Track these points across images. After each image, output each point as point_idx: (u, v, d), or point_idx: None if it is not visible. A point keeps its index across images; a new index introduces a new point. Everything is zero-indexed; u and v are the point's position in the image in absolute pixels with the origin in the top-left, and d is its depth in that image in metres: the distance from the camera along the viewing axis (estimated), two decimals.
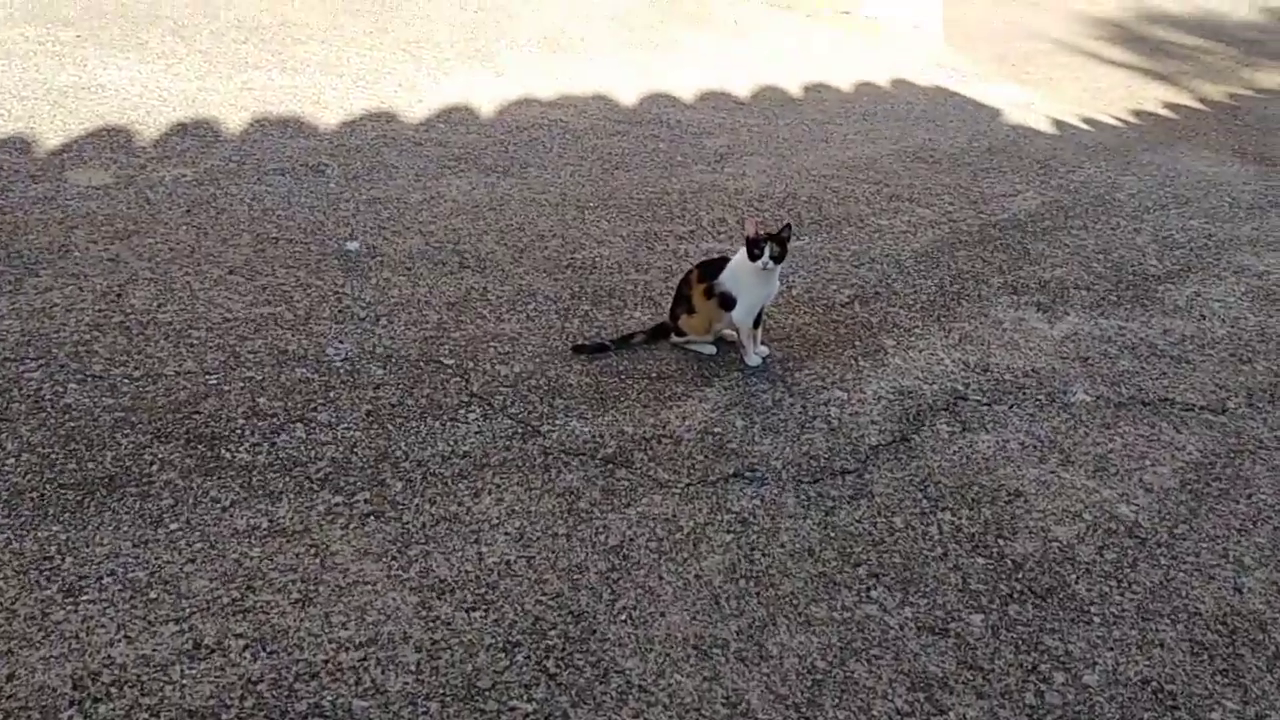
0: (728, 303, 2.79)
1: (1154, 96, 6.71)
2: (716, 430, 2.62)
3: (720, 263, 2.84)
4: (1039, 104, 5.91)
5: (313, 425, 2.47)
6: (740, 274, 2.77)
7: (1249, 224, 4.15)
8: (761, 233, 2.68)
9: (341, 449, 2.40)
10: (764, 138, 4.75)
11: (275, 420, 2.47)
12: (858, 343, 3.10)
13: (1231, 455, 2.68)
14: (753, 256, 2.69)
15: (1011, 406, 2.83)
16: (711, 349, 2.95)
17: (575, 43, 5.58)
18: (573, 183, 4.02)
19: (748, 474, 2.47)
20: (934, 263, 3.67)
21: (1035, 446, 2.66)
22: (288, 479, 2.28)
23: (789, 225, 2.76)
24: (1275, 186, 4.63)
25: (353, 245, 3.34)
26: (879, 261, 3.65)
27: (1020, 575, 2.20)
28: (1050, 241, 3.89)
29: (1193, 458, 2.66)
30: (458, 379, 2.72)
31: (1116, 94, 6.79)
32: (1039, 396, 2.89)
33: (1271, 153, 5.31)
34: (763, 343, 2.97)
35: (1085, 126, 5.50)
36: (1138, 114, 6.22)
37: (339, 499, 2.25)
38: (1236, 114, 6.29)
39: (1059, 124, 5.43)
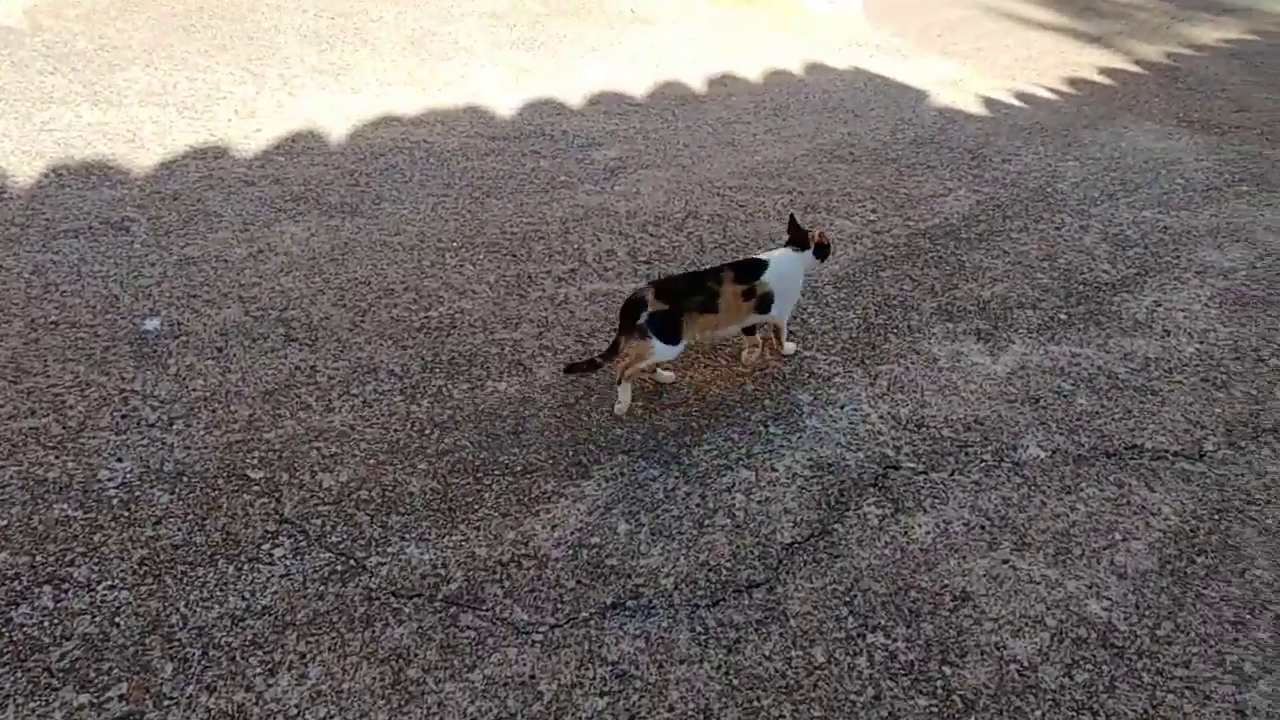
0: (767, 303, 2.63)
1: (1089, 62, 6.35)
2: (593, 541, 2.15)
3: (752, 264, 2.64)
4: (968, 80, 5.51)
5: (65, 588, 1.96)
6: (786, 278, 2.66)
7: (1207, 210, 3.76)
8: (827, 239, 2.71)
9: (100, 619, 1.89)
10: (662, 145, 4.27)
11: (15, 585, 1.95)
12: (768, 401, 2.64)
13: (1216, 516, 2.27)
14: (823, 257, 2.72)
15: (953, 473, 2.39)
16: (670, 375, 2.72)
17: (446, 47, 5.04)
18: (434, 218, 3.51)
19: (630, 602, 2.00)
20: (856, 288, 3.22)
21: (983, 527, 2.22)
22: (19, 675, 1.76)
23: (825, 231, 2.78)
24: (1229, 161, 4.26)
25: (151, 324, 2.80)
26: None
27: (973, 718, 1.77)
28: (988, 249, 3.46)
29: (1171, 524, 2.24)
30: (266, 499, 2.22)
31: (1049, 61, 6.42)
32: (984, 456, 2.45)
33: (1219, 119, 4.96)
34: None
35: (1019, 104, 5.10)
36: (1073, 83, 5.85)
37: (84, 699, 1.74)
38: (1177, 76, 5.95)
39: (990, 103, 5.02)
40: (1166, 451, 2.49)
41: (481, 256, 3.30)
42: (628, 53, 5.31)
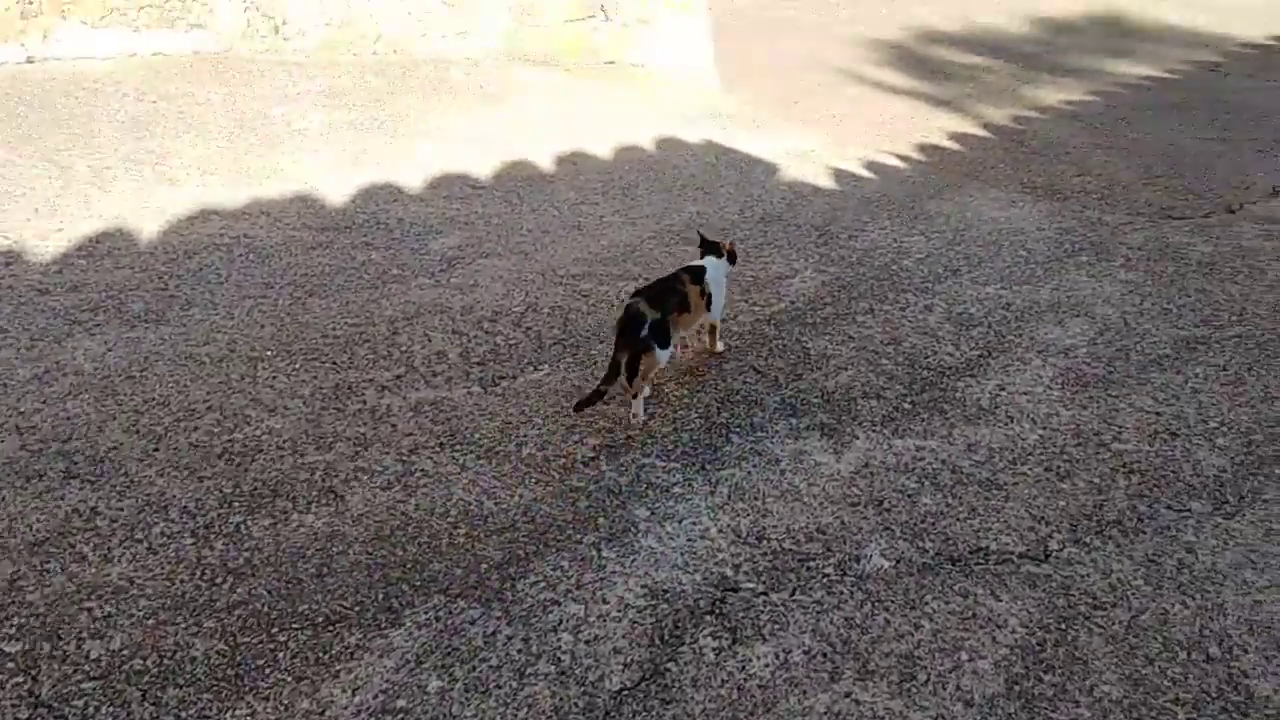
0: (709, 303, 3.06)
1: (939, 126, 6.52)
2: (399, 705, 1.95)
3: (697, 268, 3.07)
4: (820, 151, 5.56)
5: None
6: (717, 279, 3.10)
7: (1048, 283, 3.81)
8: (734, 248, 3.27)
9: None
10: (505, 230, 4.13)
11: None
12: (602, 519, 2.49)
13: (1063, 625, 2.20)
14: (733, 262, 3.25)
15: (794, 592, 2.27)
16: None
17: (278, 130, 4.82)
18: (248, 323, 3.28)
19: None
20: (700, 382, 3.11)
21: (825, 655, 2.10)
22: None
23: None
24: (1069, 230, 4.36)
25: None
26: None
27: None
28: (833, 334, 3.41)
29: (1017, 637, 2.16)
30: (20, 678, 1.94)
31: (901, 127, 6.57)
32: (826, 569, 2.34)
33: (1060, 183, 5.10)
34: None
35: (869, 174, 5.15)
36: (924, 149, 5.98)
37: None
38: (1022, 139, 6.14)
39: (840, 175, 5.06)
40: (1011, 553, 2.42)
41: (298, 365, 3.08)
42: (475, 131, 5.18)
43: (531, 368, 3.17)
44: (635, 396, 2.84)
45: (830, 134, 6.15)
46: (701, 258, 3.15)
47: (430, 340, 3.28)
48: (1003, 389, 3.12)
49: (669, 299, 2.85)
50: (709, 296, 3.04)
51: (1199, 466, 2.75)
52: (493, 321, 3.42)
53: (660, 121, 5.76)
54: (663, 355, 2.82)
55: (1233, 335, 3.42)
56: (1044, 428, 2.93)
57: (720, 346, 3.26)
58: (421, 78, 5.83)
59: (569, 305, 3.56)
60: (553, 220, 4.28)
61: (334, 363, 3.12)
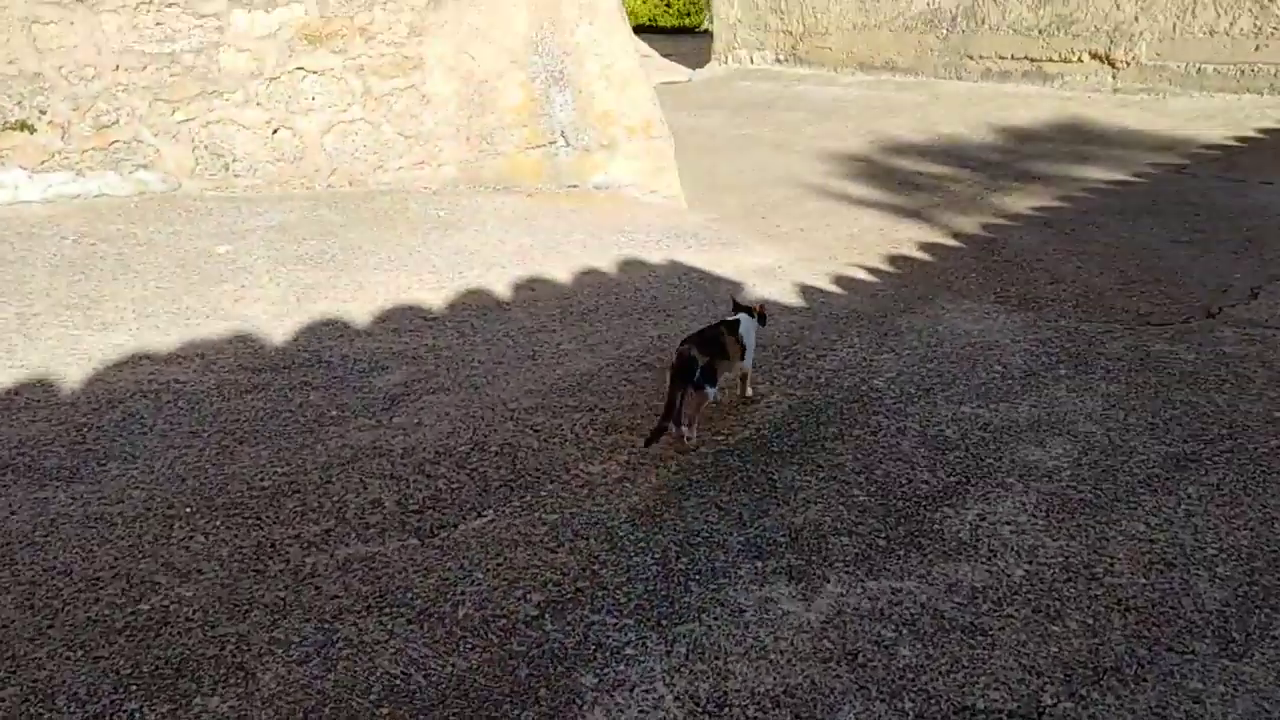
0: (743, 353, 3.51)
1: (908, 238, 6.48)
2: None
3: (734, 322, 3.52)
4: (787, 267, 5.47)
5: None
6: (749, 333, 3.54)
7: (1026, 400, 3.64)
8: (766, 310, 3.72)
9: None
10: (456, 364, 3.97)
11: None
12: (544, 691, 2.24)
13: None
14: (763, 323, 3.67)
15: None
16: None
17: (221, 268, 4.71)
18: (169, 477, 3.07)
19: None
20: (657, 523, 2.90)
21: None
22: None
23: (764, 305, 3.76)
24: (1046, 341, 4.22)
25: None
26: (585, 534, 2.85)
27: None
28: (801, 464, 3.22)
29: None
30: None
31: (870, 239, 6.53)
32: None
33: (1035, 293, 5.00)
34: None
35: (837, 290, 5.05)
36: (893, 261, 5.91)
37: None
38: (993, 248, 6.08)
39: (807, 292, 4.95)
40: (1001, 711, 2.18)
41: (218, 523, 2.86)
42: (429, 261, 5.07)
43: (475, 514, 2.96)
44: (690, 427, 3.25)
45: (797, 249, 6.10)
46: (735, 313, 3.58)
47: (366, 488, 3.07)
48: (984, 519, 2.92)
49: (713, 347, 3.29)
50: (743, 347, 3.50)
51: (1200, 600, 2.54)
52: (435, 464, 3.22)
53: (623, 243, 5.69)
54: (711, 393, 3.29)
55: (1224, 450, 3.25)
56: (1030, 561, 2.72)
57: (750, 392, 3.67)
58: (377, 209, 5.77)
59: (519, 442, 3.37)
60: (507, 350, 4.13)
61: (258, 518, 2.90)
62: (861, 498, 3.04)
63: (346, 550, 2.76)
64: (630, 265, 5.29)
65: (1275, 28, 9.64)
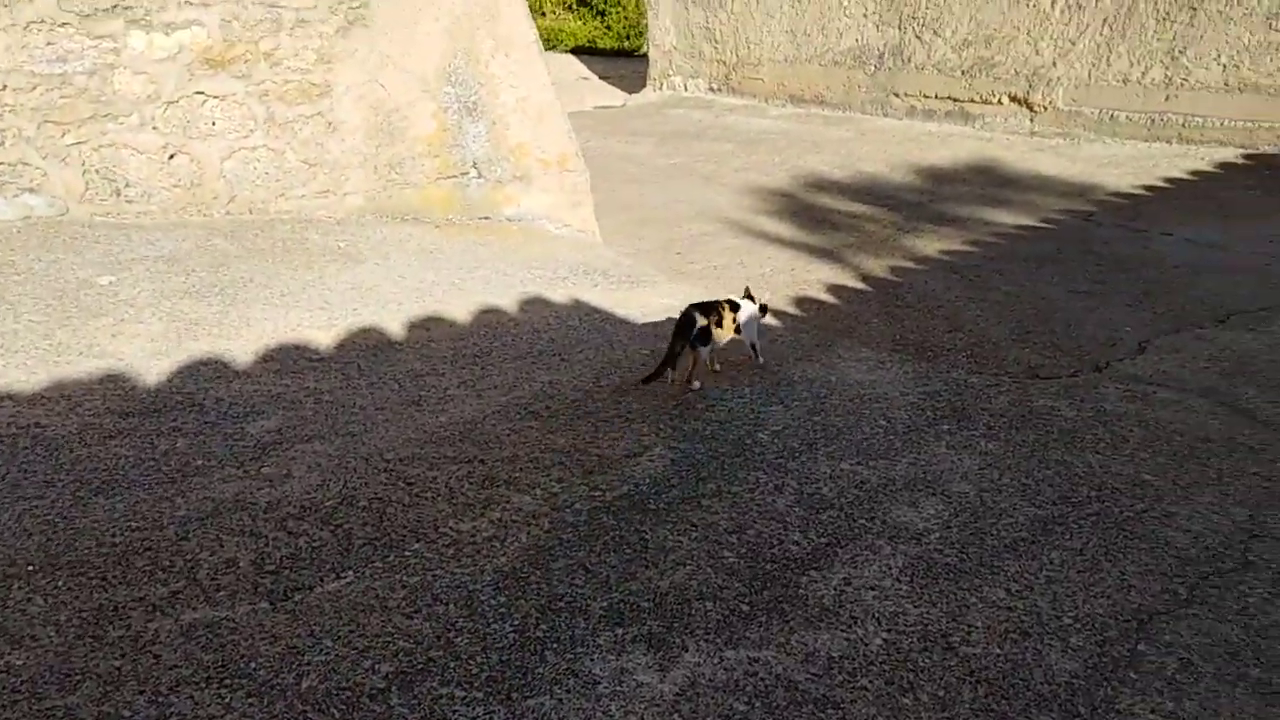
0: (738, 328, 4.29)
1: (818, 279, 6.56)
2: None
3: (735, 303, 4.30)
4: None
5: None
6: (750, 315, 4.33)
7: (905, 457, 3.69)
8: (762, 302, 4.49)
9: None
10: (335, 409, 3.90)
11: None
12: None
13: None
14: (763, 313, 4.47)
15: None
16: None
17: (101, 301, 4.58)
18: (16, 532, 2.96)
19: None
20: (521, 587, 2.87)
21: None
22: None
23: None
24: (934, 394, 4.28)
25: None
26: (445, 598, 2.81)
27: None
28: (675, 523, 3.21)
29: None
30: None
31: (781, 280, 6.59)
32: None
33: (931, 340, 5.07)
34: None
35: (737, 335, 5.06)
36: (800, 303, 5.97)
37: None
38: (898, 293, 6.18)
39: None
40: None
41: (61, 583, 2.76)
42: (323, 296, 4.99)
43: (333, 575, 2.89)
44: (691, 378, 4.18)
45: (706, 288, 6.12)
46: (744, 297, 4.40)
47: (222, 545, 2.99)
48: (849, 583, 2.93)
49: (711, 314, 4.09)
50: (739, 324, 4.26)
51: (1050, 672, 2.57)
52: (299, 519, 3.15)
53: (528, 280, 5.66)
54: (704, 352, 4.16)
55: (1091, 514, 3.31)
56: (889, 629, 2.73)
57: (761, 360, 4.52)
58: (276, 239, 5.67)
59: (389, 496, 3.31)
60: (390, 395, 4.07)
61: (104, 578, 2.81)
62: (731, 559, 3.04)
63: (192, 615, 2.68)
64: (532, 304, 5.26)
65: (1184, 79, 9.98)
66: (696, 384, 4.21)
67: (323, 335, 4.57)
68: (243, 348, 4.35)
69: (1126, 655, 2.64)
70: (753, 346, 4.48)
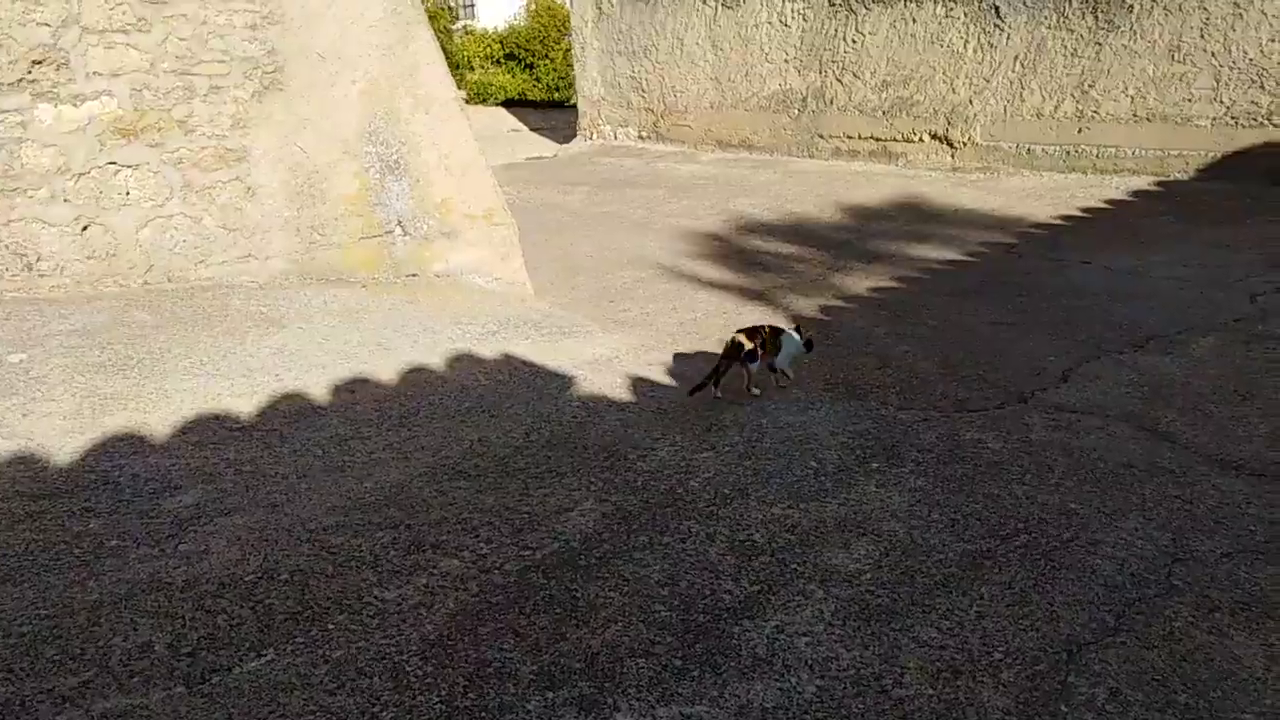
0: (778, 351, 4.78)
1: (750, 321, 6.57)
2: None
3: (779, 330, 4.87)
4: (622, 357, 5.49)
5: None
6: (792, 344, 4.84)
7: (836, 498, 3.70)
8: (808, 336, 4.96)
9: None
10: (257, 479, 3.81)
11: None
12: None
13: None
14: (810, 349, 4.92)
15: None
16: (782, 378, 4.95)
17: (11, 378, 4.46)
18: None
19: None
20: (449, 654, 2.81)
21: None
22: None
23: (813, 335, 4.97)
24: (863, 433, 4.32)
25: None
26: (370, 670, 2.74)
27: None
28: (607, 578, 3.18)
29: None
30: None
31: (713, 324, 6.62)
32: None
33: (861, 378, 5.12)
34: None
35: (668, 382, 5.08)
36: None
37: None
38: (828, 331, 6.23)
39: (639, 385, 4.97)
40: None
41: None
42: (244, 364, 4.91)
43: (254, 654, 2.81)
44: (749, 388, 4.82)
45: (638, 337, 6.13)
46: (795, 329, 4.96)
47: (136, 629, 2.89)
48: (781, 631, 2.92)
49: (756, 338, 4.69)
50: (777, 349, 4.76)
51: (983, 710, 2.58)
52: (217, 597, 3.06)
53: (456, 337, 5.62)
54: (753, 368, 4.72)
55: (1019, 546, 3.35)
56: (822, 676, 2.72)
57: (785, 382, 4.96)
58: (196, 308, 5.58)
59: (312, 568, 3.24)
60: (314, 462, 3.99)
61: (10, 670, 2.69)
62: (663, 613, 3.01)
63: (104, 704, 2.58)
64: (460, 361, 5.22)
65: (1095, 111, 10.32)
66: (756, 390, 4.82)
67: (244, 403, 4.48)
68: (160, 420, 4.25)
69: (1057, 688, 2.65)
70: (775, 369, 4.90)
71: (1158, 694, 2.61)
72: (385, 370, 5.00)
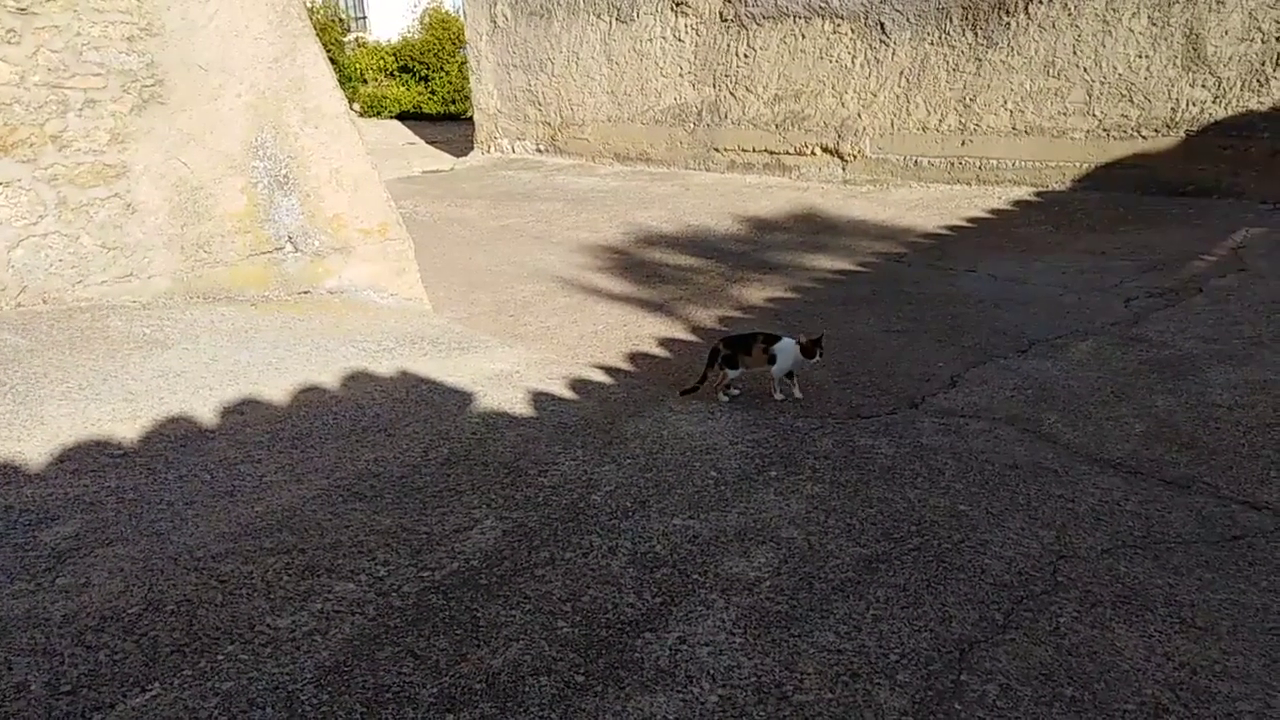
0: (773, 359, 4.81)
1: (650, 333, 6.64)
2: None
3: (772, 336, 4.88)
4: (523, 372, 5.45)
5: None
6: (787, 353, 4.80)
7: (736, 507, 3.73)
8: (809, 341, 4.77)
9: None
10: (141, 507, 3.66)
11: None
12: None
13: None
14: (809, 355, 4.77)
15: None
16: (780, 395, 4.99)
17: None
18: None
19: None
20: (345, 681, 2.74)
21: None
22: None
23: (822, 337, 4.82)
24: (762, 441, 4.37)
25: None
26: (262, 701, 2.65)
27: None
28: (508, 596, 3.15)
29: None
30: None
31: (614, 336, 6.64)
32: None
33: (759, 387, 5.18)
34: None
35: (570, 395, 5.06)
36: (633, 359, 6.02)
37: None
38: None
39: (539, 399, 4.93)
40: None
41: None
42: (126, 387, 4.71)
43: (137, 690, 2.69)
44: (719, 390, 4.95)
45: (538, 350, 6.10)
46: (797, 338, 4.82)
47: (11, 669, 2.74)
48: (684, 641, 2.93)
49: (741, 345, 4.84)
50: (772, 355, 4.79)
51: (880, 711, 2.63)
52: (98, 631, 2.93)
53: (351, 354, 5.50)
54: (732, 374, 4.86)
55: (912, 548, 3.43)
56: (724, 685, 2.74)
57: (779, 396, 4.99)
58: (73, 329, 5.34)
59: (200, 597, 3.12)
60: (201, 487, 3.85)
61: None
62: (565, 629, 2.99)
63: None
64: (355, 379, 5.12)
65: (977, 125, 10.70)
66: (724, 397, 4.95)
67: (126, 429, 4.30)
68: (36, 449, 4.05)
69: (951, 687, 2.72)
70: (780, 382, 4.95)
71: (1045, 688, 2.70)
72: (277, 391, 4.86)
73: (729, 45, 12.81)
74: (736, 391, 5.01)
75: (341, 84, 6.82)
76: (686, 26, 13.24)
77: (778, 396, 4.96)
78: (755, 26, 12.48)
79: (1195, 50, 9.38)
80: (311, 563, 3.35)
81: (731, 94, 12.88)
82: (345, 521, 3.64)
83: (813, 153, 12.04)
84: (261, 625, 2.99)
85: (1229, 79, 9.27)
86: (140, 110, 5.77)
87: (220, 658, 2.83)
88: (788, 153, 12.29)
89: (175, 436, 4.30)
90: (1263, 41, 9.05)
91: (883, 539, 3.50)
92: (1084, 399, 4.88)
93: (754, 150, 12.67)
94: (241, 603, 3.10)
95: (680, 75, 13.47)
